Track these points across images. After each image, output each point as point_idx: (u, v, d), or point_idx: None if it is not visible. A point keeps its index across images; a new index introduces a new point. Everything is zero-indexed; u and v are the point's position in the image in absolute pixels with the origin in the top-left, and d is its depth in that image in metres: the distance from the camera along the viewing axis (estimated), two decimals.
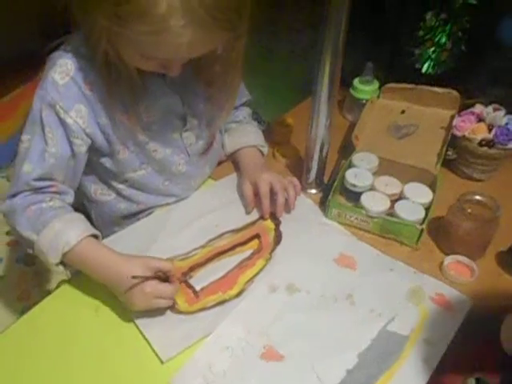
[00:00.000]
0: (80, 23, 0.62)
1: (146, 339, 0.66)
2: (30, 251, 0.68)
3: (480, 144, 0.85)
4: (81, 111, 0.67)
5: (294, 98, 1.16)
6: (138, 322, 0.68)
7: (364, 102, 1.00)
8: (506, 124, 0.84)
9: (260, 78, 1.65)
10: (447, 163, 0.89)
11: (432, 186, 0.81)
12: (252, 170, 0.86)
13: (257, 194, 0.84)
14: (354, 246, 0.78)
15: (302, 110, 1.10)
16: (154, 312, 0.68)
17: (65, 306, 0.70)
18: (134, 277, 0.63)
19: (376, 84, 1.02)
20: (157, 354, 0.64)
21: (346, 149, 0.93)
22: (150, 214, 0.84)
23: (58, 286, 0.74)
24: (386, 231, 0.78)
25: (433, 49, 0.94)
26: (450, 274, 0.72)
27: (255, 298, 0.70)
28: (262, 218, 0.83)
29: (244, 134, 0.90)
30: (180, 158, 0.80)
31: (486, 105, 0.89)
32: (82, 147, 0.69)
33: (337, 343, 0.64)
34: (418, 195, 0.79)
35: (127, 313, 0.68)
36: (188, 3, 0.53)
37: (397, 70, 0.99)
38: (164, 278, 0.67)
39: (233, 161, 0.93)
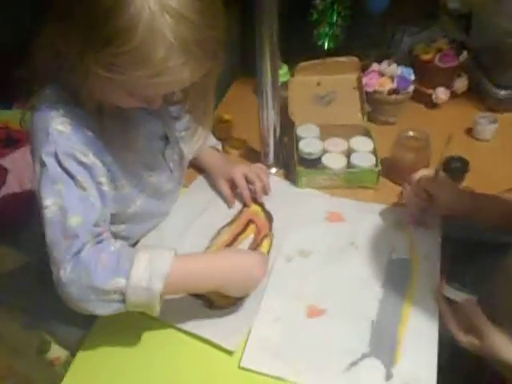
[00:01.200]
0: (67, 75, 0.58)
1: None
2: (120, 306, 0.59)
3: (388, 93, 1.01)
4: (91, 153, 0.63)
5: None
6: (188, 327, 0.67)
7: (280, 84, 1.09)
8: (402, 73, 1.01)
9: None
10: (367, 115, 1.03)
11: (368, 136, 0.94)
12: (221, 167, 0.89)
13: (233, 188, 0.87)
14: (334, 202, 0.87)
15: (231, 101, 1.15)
16: (199, 314, 0.69)
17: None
18: None
19: (285, 68, 1.12)
20: (222, 349, 0.65)
21: (283, 126, 1.01)
22: None
23: None
24: (351, 182, 0.88)
25: (327, 28, 1.07)
26: None
27: (278, 271, 0.75)
28: (245, 206, 0.87)
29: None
30: (165, 177, 0.79)
31: (379, 62, 1.06)
32: (104, 186, 0.64)
33: (361, 283, 0.73)
34: (363, 145, 0.91)
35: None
36: (184, 42, 0.52)
37: (304, 50, 1.09)
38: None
39: (195, 165, 0.94)
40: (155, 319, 0.65)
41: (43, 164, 0.60)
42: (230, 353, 0.65)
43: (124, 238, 0.76)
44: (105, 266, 0.58)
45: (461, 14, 1.24)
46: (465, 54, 1.06)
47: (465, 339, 0.62)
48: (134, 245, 0.80)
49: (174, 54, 0.53)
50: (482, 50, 1.10)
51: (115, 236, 0.68)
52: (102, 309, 0.58)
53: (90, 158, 0.62)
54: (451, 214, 0.77)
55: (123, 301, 0.58)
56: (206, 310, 0.70)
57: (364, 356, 0.64)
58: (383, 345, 0.65)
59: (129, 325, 0.68)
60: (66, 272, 0.57)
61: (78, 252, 0.58)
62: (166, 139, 0.77)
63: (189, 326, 0.68)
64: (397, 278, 0.73)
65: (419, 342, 0.65)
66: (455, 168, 0.88)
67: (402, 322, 0.67)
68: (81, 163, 0.61)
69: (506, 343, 0.60)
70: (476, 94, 1.08)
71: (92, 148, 0.63)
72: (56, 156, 0.60)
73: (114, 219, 0.70)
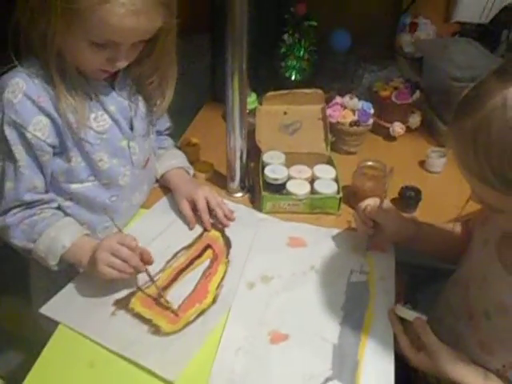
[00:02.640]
0: (32, 31, 0.64)
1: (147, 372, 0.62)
2: (27, 255, 0.75)
3: (350, 125, 1.04)
4: (40, 122, 0.69)
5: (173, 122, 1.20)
6: (131, 354, 0.64)
7: (248, 111, 1.11)
8: (363, 106, 1.06)
9: None
10: (330, 145, 1.06)
11: (330, 164, 0.97)
12: (185, 187, 0.88)
13: (195, 209, 0.86)
14: (295, 228, 0.87)
15: (199, 125, 1.16)
16: (144, 341, 0.66)
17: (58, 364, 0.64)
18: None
19: (253, 96, 1.14)
20: (164, 380, 0.61)
21: (250, 152, 1.02)
22: None
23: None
24: (314, 207, 0.90)
25: (295, 61, 1.11)
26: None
27: (241, 299, 0.73)
28: (205, 230, 0.86)
29: (172, 158, 0.93)
30: (126, 169, 0.80)
31: (342, 96, 1.10)
32: (44, 157, 0.71)
33: (322, 306, 0.72)
34: (326, 173, 0.93)
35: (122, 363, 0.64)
36: None
37: (272, 80, 1.12)
38: None
39: (163, 184, 0.93)
40: (102, 347, 0.65)
41: None
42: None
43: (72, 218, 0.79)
44: (23, 229, 0.73)
45: (414, 57, 1.33)
46: (418, 93, 1.12)
47: (416, 358, 0.63)
48: None
49: None
50: (432, 91, 1.18)
51: (63, 211, 0.77)
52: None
53: (29, 131, 0.68)
54: (397, 240, 0.80)
55: (30, 253, 0.74)
56: (151, 336, 0.67)
57: (327, 380, 0.63)
58: (345, 367, 0.64)
59: (75, 353, 0.66)
60: None
61: (5, 212, 0.72)
62: (132, 125, 0.79)
63: (133, 353, 0.64)
64: (356, 300, 0.74)
65: (377, 361, 0.65)
66: (409, 197, 0.92)
67: (361, 342, 0.67)
68: (21, 134, 0.68)
69: (454, 360, 0.61)
70: (428, 130, 1.14)
71: (44, 116, 0.68)
72: (1, 123, 0.68)
73: (60, 192, 0.77)
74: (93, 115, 0.73)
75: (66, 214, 0.78)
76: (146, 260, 0.73)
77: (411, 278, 0.82)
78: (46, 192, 0.75)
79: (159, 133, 0.93)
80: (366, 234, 0.81)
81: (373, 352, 0.66)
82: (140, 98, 0.80)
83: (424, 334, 0.63)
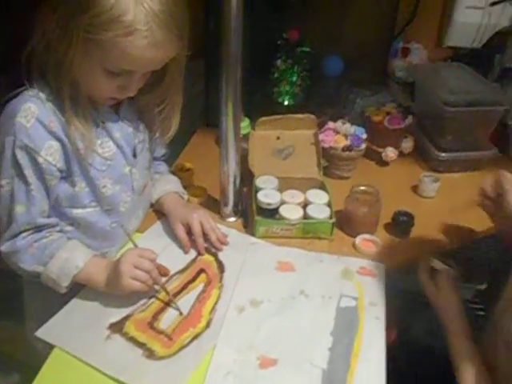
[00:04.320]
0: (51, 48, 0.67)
1: None
2: (34, 279, 0.77)
3: (343, 150, 1.09)
4: (52, 147, 0.72)
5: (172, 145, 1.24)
6: (125, 378, 0.66)
7: (241, 136, 1.15)
8: (355, 132, 1.10)
9: None
10: (323, 170, 1.10)
11: (323, 189, 1.00)
12: (180, 211, 0.91)
13: (189, 233, 0.89)
14: (285, 252, 0.90)
15: (193, 150, 1.20)
16: (139, 365, 0.68)
17: None
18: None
19: (247, 121, 1.19)
20: None
21: (243, 177, 1.06)
22: None
23: None
24: (307, 232, 0.93)
25: (288, 86, 1.16)
26: (362, 250, 0.91)
27: (230, 323, 0.76)
28: (199, 254, 0.89)
29: (167, 183, 0.97)
30: (127, 196, 0.83)
31: (334, 121, 1.14)
32: (52, 181, 0.74)
33: (311, 331, 0.75)
34: (318, 198, 0.97)
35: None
36: (151, 9, 0.64)
37: (265, 105, 1.17)
38: None
39: (158, 208, 0.96)
40: (97, 370, 0.67)
41: (2, 149, 0.71)
42: None
43: None
44: (33, 253, 0.76)
45: (407, 82, 1.39)
46: (410, 118, 1.17)
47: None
48: None
49: (141, 17, 0.63)
50: (425, 116, 1.23)
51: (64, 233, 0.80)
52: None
53: (41, 156, 0.71)
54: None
55: (38, 276, 0.77)
56: (145, 360, 0.69)
57: None
58: None
59: (69, 376, 0.68)
60: (4, 246, 0.75)
61: (15, 236, 0.75)
62: (135, 152, 0.83)
63: (127, 377, 0.67)
64: (345, 325, 0.76)
65: None
66: (402, 221, 0.95)
67: (350, 369, 0.69)
68: (32, 159, 0.71)
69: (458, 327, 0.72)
70: (421, 155, 1.19)
71: (55, 141, 0.72)
72: (13, 147, 0.70)
73: (62, 216, 0.80)
74: (99, 141, 0.77)
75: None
76: (164, 272, 0.83)
77: (404, 303, 0.85)
78: (49, 217, 0.78)
79: (155, 158, 0.96)
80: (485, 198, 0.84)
81: (363, 379, 0.68)
82: (143, 125, 0.84)
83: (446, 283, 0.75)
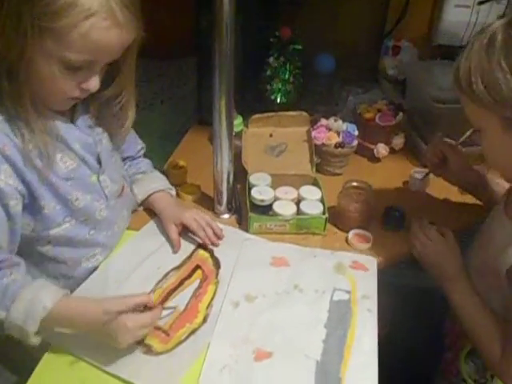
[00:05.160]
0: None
1: None
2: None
3: (335, 147, 1.11)
4: (7, 171, 0.67)
5: (160, 145, 1.25)
6: (123, 374, 0.68)
7: (234, 134, 1.17)
8: (347, 128, 1.13)
9: None
10: (315, 166, 1.12)
11: (316, 185, 1.02)
12: (171, 211, 0.92)
13: (181, 233, 0.91)
14: (279, 248, 0.92)
15: (186, 148, 1.21)
16: (136, 360, 0.70)
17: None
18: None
19: (240, 118, 1.21)
20: None
21: (236, 174, 1.08)
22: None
23: None
24: (300, 228, 0.95)
25: (280, 84, 1.18)
26: (354, 244, 0.93)
27: (226, 317, 0.78)
28: (196, 249, 0.91)
29: (152, 181, 0.97)
30: (100, 204, 0.81)
31: (327, 118, 1.17)
32: (17, 206, 0.69)
33: (305, 324, 0.77)
34: (311, 194, 0.99)
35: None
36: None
37: (257, 103, 1.19)
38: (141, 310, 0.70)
39: (147, 207, 0.97)
40: (93, 366, 0.69)
41: None
42: None
43: (56, 260, 0.79)
44: None
45: (398, 79, 1.42)
46: (401, 114, 1.20)
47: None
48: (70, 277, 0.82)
49: (98, 3, 0.61)
50: (416, 113, 1.25)
51: (43, 257, 0.77)
52: None
53: (1, 179, 0.66)
54: (456, 182, 0.99)
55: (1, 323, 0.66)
56: (143, 356, 0.71)
57: None
58: None
59: (66, 373, 0.69)
60: None
61: None
62: (100, 160, 0.81)
63: (126, 373, 0.68)
64: (338, 317, 0.78)
65: (360, 379, 0.69)
66: (394, 216, 0.97)
67: (344, 360, 0.71)
68: None
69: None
70: (412, 151, 1.22)
71: (8, 165, 0.67)
72: None
73: (38, 238, 0.75)
74: (59, 156, 0.73)
75: (46, 258, 0.78)
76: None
77: (395, 297, 0.87)
78: (11, 252, 0.71)
79: (132, 158, 0.97)
80: (432, 165, 0.97)
81: (356, 369, 0.70)
82: (101, 129, 0.82)
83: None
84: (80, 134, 0.77)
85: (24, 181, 0.69)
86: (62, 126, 0.74)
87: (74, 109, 0.76)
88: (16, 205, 0.69)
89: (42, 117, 0.70)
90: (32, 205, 0.72)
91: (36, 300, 0.65)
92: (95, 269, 0.85)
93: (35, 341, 0.67)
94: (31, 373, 0.69)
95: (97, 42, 0.63)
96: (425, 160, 1.00)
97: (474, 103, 0.66)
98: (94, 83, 0.69)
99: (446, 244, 0.82)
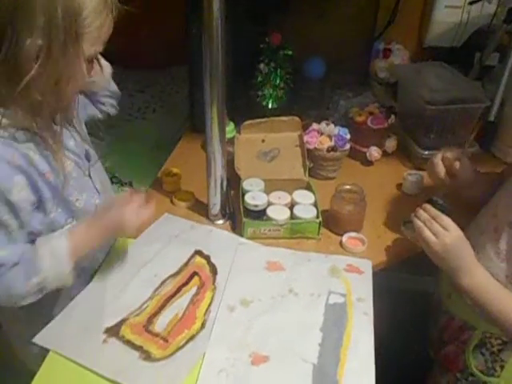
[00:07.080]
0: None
1: None
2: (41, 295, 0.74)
3: (327, 151, 1.14)
4: (20, 182, 0.70)
5: (153, 153, 1.28)
6: (123, 380, 0.70)
7: (227, 140, 1.20)
8: (339, 132, 1.16)
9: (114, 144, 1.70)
10: (308, 171, 1.15)
11: (309, 189, 1.05)
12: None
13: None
14: (273, 252, 0.95)
15: (179, 155, 1.24)
16: (136, 367, 0.72)
17: None
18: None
19: (232, 125, 1.24)
20: None
21: (230, 180, 1.10)
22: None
23: None
24: (294, 232, 0.97)
25: (271, 89, 1.22)
26: (349, 248, 0.96)
27: (222, 322, 0.80)
28: (193, 255, 0.93)
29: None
30: (94, 200, 0.84)
31: (318, 122, 1.20)
32: (28, 215, 0.73)
33: (301, 327, 0.79)
34: (305, 198, 1.02)
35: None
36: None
37: (249, 109, 1.22)
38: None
39: None
40: (93, 373, 0.70)
41: None
42: None
43: None
44: (18, 271, 0.71)
45: (389, 82, 1.45)
46: (393, 117, 1.23)
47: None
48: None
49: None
50: (407, 115, 1.29)
51: None
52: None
53: (14, 194, 0.69)
54: (468, 194, 0.95)
55: (41, 290, 0.73)
56: (142, 362, 0.73)
57: None
58: None
59: (65, 379, 0.71)
60: None
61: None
62: (88, 155, 0.84)
63: (125, 379, 0.70)
64: (334, 321, 0.81)
65: (357, 381, 0.71)
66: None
67: (340, 363, 0.74)
68: (4, 199, 0.69)
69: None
70: (404, 154, 1.25)
71: (21, 175, 0.70)
72: None
73: None
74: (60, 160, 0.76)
75: None
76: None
77: (390, 300, 0.89)
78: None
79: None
80: (441, 183, 0.95)
81: (352, 372, 0.72)
82: (79, 120, 0.85)
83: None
84: (68, 133, 0.80)
85: (34, 187, 0.72)
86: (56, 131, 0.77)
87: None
88: (28, 214, 0.73)
89: (52, 126, 0.74)
90: (39, 209, 0.75)
91: (53, 247, 0.73)
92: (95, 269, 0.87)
93: (72, 280, 0.76)
94: (32, 378, 0.70)
95: (106, 28, 0.69)
96: (432, 178, 0.97)
97: None
98: (96, 68, 0.74)
99: (460, 230, 0.79)
